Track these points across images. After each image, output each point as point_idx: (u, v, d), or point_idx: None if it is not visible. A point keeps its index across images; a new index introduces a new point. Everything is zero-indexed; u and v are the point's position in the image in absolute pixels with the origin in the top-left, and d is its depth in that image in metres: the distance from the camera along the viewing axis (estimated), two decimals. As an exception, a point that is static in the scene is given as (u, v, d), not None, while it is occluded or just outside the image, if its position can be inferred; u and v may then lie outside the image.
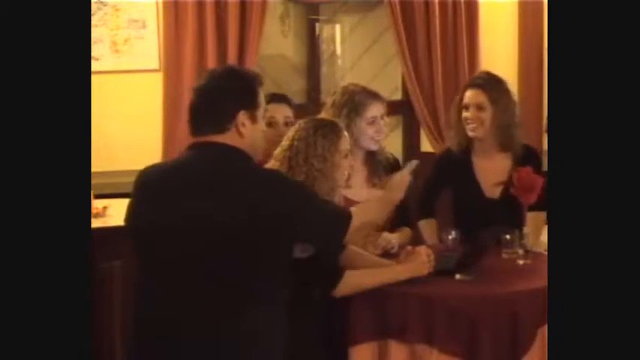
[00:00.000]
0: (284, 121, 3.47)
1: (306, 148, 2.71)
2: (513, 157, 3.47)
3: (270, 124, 3.50)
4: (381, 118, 3.29)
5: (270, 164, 2.76)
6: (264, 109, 2.39)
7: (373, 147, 3.31)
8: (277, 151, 2.78)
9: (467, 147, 3.51)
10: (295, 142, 2.72)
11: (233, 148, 2.29)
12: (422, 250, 2.87)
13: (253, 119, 2.33)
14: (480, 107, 3.42)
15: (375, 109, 3.27)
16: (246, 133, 2.31)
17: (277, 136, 3.06)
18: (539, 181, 3.20)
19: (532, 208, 3.26)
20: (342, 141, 2.76)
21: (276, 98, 3.59)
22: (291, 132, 2.79)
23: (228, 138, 2.29)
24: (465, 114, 3.45)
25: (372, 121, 3.26)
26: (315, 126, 2.76)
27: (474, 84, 3.49)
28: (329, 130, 2.75)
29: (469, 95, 3.45)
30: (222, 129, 2.28)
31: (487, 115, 3.42)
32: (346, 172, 2.80)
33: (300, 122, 2.81)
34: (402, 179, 2.74)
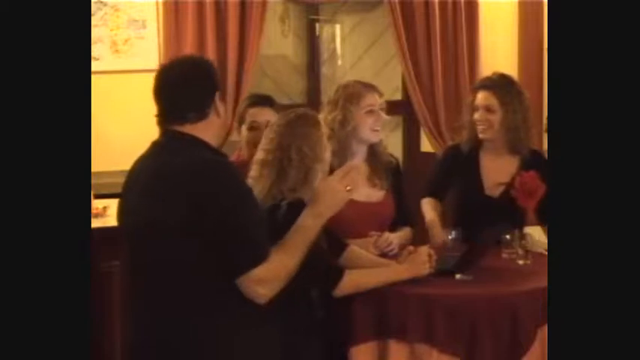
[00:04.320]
0: (266, 125, 3.35)
1: (295, 140, 2.67)
2: (521, 160, 3.47)
3: (252, 127, 3.45)
4: (380, 109, 3.25)
5: (256, 171, 2.72)
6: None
7: (373, 138, 3.25)
8: (259, 156, 2.72)
9: (476, 145, 3.53)
10: (283, 141, 2.68)
11: (200, 141, 2.28)
12: (423, 250, 2.87)
13: (222, 98, 2.39)
14: (489, 109, 3.43)
15: (372, 98, 3.22)
16: (222, 112, 2.35)
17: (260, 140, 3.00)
18: (542, 188, 3.21)
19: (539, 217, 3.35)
20: (320, 125, 2.74)
21: (259, 101, 3.53)
22: (270, 134, 2.73)
23: (206, 124, 2.30)
24: (475, 115, 3.47)
25: (370, 110, 3.21)
26: (294, 118, 2.73)
27: (485, 86, 3.49)
28: (306, 118, 2.73)
29: (480, 97, 3.47)
30: (204, 114, 2.29)
31: (496, 117, 3.43)
32: (329, 153, 2.78)
33: (274, 122, 2.77)
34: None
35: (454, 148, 3.65)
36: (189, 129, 2.28)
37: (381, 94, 3.28)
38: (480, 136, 3.47)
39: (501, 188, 3.44)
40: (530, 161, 3.44)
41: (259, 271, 2.20)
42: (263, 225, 2.26)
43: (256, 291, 2.21)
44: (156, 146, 2.35)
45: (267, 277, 2.22)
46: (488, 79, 3.56)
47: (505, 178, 3.45)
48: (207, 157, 2.26)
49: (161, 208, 2.20)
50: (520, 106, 3.45)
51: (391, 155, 3.44)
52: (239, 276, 2.19)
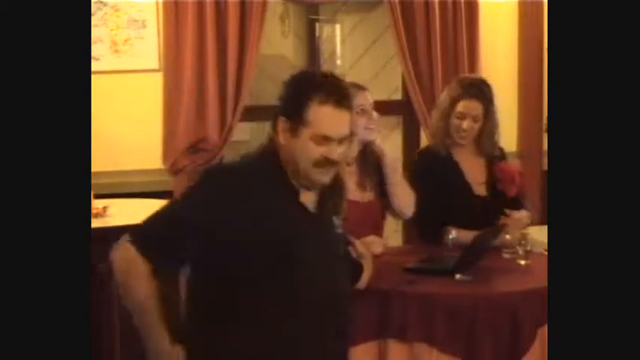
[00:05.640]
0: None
1: None
2: (486, 156, 3.52)
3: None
4: (371, 108, 3.25)
5: None
6: (321, 128, 2.19)
7: (369, 136, 3.25)
8: None
9: (448, 148, 3.52)
10: None
11: (265, 149, 2.31)
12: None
13: (293, 133, 2.22)
14: (476, 119, 3.43)
15: (363, 98, 3.23)
16: (284, 143, 2.25)
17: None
18: (519, 174, 3.38)
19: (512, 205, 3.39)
20: None
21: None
22: None
23: (276, 140, 2.30)
24: (459, 122, 3.42)
25: (361, 110, 3.22)
26: None
27: (471, 94, 3.44)
28: None
29: (466, 105, 3.42)
30: (274, 131, 2.29)
31: (478, 125, 3.45)
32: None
33: None
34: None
35: (430, 153, 3.58)
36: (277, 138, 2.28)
37: (368, 92, 3.28)
38: (460, 141, 3.46)
39: (484, 185, 3.46)
40: (494, 155, 3.52)
41: (124, 245, 2.29)
42: (183, 227, 2.21)
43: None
44: None
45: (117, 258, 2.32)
46: (471, 85, 3.48)
47: (481, 175, 3.48)
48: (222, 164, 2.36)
49: None
50: (496, 110, 3.48)
51: (377, 146, 3.40)
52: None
